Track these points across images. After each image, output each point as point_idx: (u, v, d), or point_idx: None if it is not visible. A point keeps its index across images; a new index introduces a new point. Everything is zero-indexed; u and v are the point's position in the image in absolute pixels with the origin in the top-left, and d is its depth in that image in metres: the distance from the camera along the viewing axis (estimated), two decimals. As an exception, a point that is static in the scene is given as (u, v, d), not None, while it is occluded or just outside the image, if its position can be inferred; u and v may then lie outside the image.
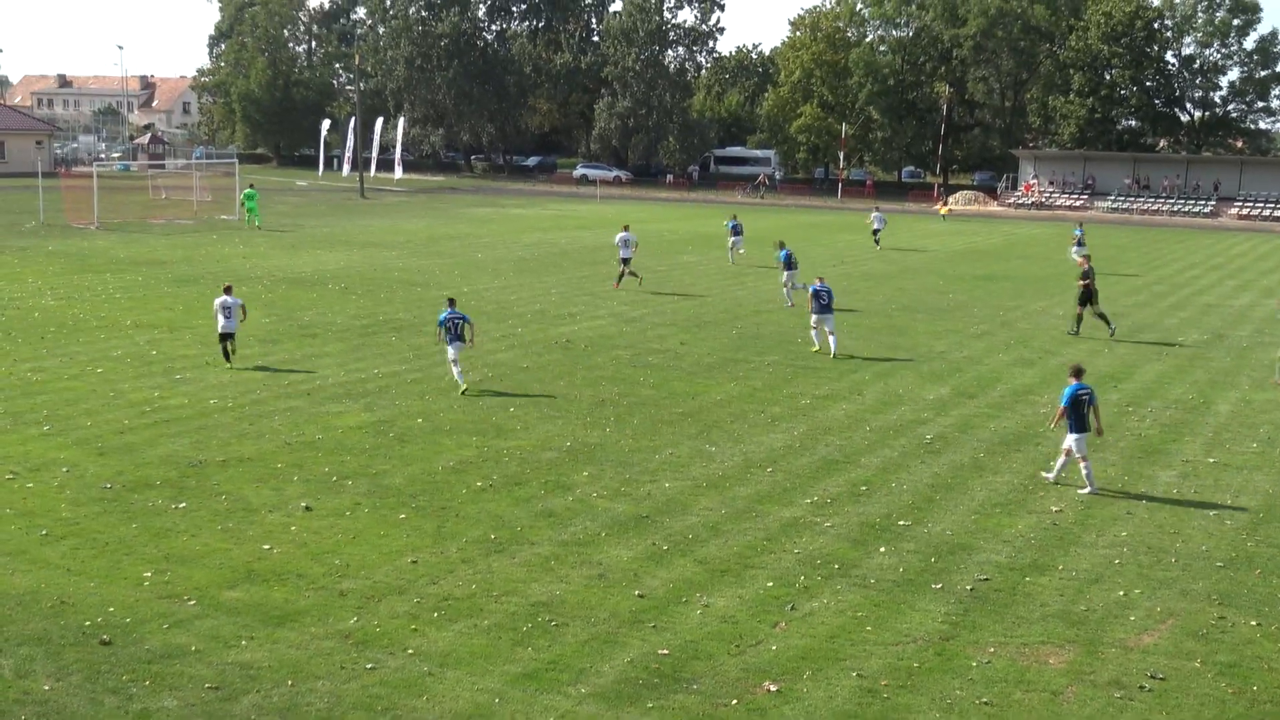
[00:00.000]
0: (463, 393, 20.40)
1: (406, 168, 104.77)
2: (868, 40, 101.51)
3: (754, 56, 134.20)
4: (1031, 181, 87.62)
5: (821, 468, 16.88)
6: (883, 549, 13.73)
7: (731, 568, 13.03)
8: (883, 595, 12.43)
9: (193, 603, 11.74)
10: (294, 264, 38.58)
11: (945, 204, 78.96)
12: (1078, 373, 16.30)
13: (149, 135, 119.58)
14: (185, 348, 24.02)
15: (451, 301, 21.65)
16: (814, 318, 25.24)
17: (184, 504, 14.56)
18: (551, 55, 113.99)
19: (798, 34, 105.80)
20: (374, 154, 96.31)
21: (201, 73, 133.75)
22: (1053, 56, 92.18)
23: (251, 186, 56.58)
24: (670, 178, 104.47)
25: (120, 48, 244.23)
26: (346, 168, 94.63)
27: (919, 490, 15.98)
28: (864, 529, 14.40)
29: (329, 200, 74.49)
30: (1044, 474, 16.59)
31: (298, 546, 13.26)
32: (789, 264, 32.76)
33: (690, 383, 22.02)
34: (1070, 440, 16.05)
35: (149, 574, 12.39)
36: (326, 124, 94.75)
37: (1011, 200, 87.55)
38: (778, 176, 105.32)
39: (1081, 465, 16.06)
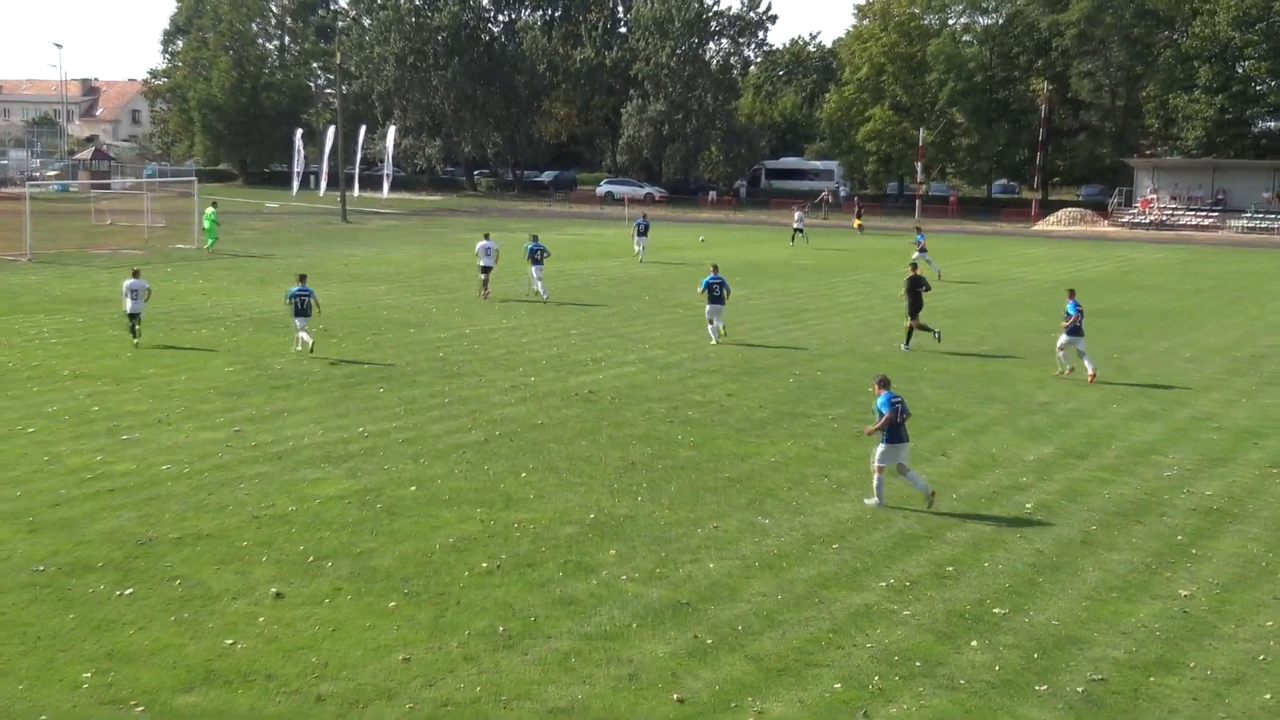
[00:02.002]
0: (310, 351, 28.97)
1: (397, 185, 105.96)
2: (949, 29, 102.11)
3: (813, 50, 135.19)
4: (1149, 196, 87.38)
5: (899, 544, 16.79)
6: (974, 643, 13.61)
7: (790, 666, 12.95)
8: (975, 700, 12.31)
9: (140, 709, 11.77)
10: (263, 301, 38.96)
11: (859, 215, 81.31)
12: (884, 383, 18.87)
13: (92, 150, 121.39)
14: (133, 402, 24.26)
15: (302, 278, 30.73)
16: (708, 309, 32.39)
17: (130, 590, 14.64)
18: (570, 50, 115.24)
19: (865, 23, 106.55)
20: (358, 169, 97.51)
21: (154, 75, 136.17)
22: (1173, 46, 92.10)
23: (214, 205, 57.39)
24: (713, 195, 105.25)
25: (58, 46, 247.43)
26: (325, 186, 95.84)
27: (1018, 571, 15.86)
28: (951, 619, 14.29)
29: (304, 225, 75.30)
30: (866, 500, 18.54)
31: (267, 641, 13.29)
32: None
33: (739, 442, 22.01)
34: (879, 450, 18.32)
35: (88, 674, 12.44)
36: (301, 134, 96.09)
37: (1126, 219, 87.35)
38: (843, 192, 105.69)
39: (875, 476, 18.37)
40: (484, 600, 14.49)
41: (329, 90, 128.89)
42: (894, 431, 18.31)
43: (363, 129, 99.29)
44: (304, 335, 29.70)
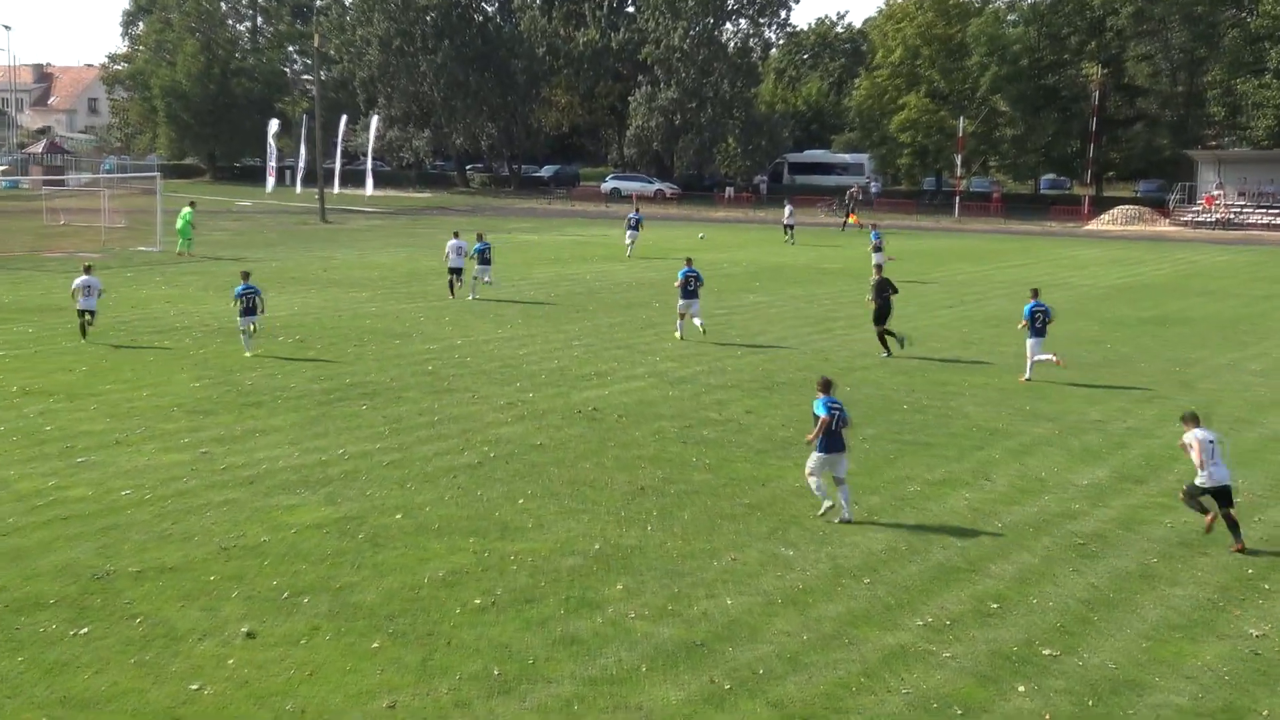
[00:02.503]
0: (249, 351, 31.21)
1: (381, 181, 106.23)
2: (992, 7, 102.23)
3: (840, 31, 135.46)
4: (1214, 193, 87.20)
5: (937, 578, 16.76)
6: (1021, 688, 13.58)
7: (817, 713, 12.93)
8: (1022, 751, 12.27)
9: (97, 761, 11.76)
10: (232, 311, 38.99)
11: (851, 212, 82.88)
12: (826, 385, 19.54)
13: (44, 143, 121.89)
14: (89, 421, 24.31)
15: (246, 275, 32.74)
16: (680, 303, 34.76)
17: (86, 629, 14.64)
18: (572, 32, 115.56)
19: (898, 1, 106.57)
20: (338, 164, 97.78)
21: (113, 60, 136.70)
22: (1240, 26, 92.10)
23: (191, 205, 57.67)
24: (730, 192, 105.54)
25: (7, 28, 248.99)
26: (301, 182, 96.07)
27: (1069, 608, 15.82)
28: (996, 660, 14.26)
29: (279, 225, 75.50)
30: (821, 515, 19.11)
31: (237, 686, 13.29)
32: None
33: (759, 465, 22.01)
34: (811, 459, 19.15)
35: (40, 722, 12.46)
36: (275, 125, 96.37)
37: (1187, 217, 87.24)
38: (874, 189, 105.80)
39: (811, 481, 19.10)
40: (477, 640, 14.47)
41: (306, 77, 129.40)
42: (829, 440, 18.99)
43: (343, 119, 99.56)
44: (246, 339, 32.13)
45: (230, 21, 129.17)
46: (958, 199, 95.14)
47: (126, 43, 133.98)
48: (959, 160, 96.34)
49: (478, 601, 15.57)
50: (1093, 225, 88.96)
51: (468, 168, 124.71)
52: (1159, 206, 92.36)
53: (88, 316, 33.00)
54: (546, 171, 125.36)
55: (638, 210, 67.01)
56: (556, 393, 27.63)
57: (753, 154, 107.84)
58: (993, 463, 22.50)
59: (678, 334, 35.01)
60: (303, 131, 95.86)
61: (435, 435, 23.53)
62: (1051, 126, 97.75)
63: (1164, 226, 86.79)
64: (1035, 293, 31.19)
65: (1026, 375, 30.27)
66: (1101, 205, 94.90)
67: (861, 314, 40.53)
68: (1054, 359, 30.21)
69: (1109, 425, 25.57)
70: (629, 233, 60.21)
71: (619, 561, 17.05)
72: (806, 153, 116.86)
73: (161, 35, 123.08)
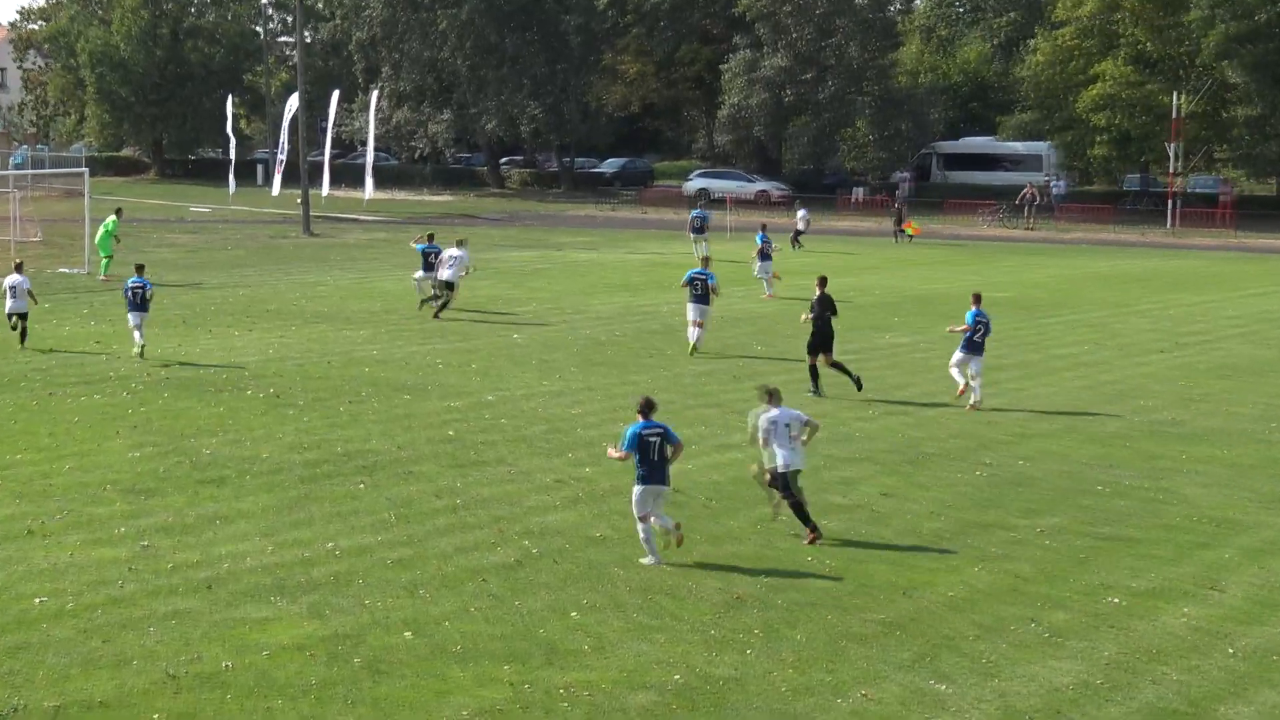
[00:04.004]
0: (140, 355, 37.15)
1: (385, 180, 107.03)
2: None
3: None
4: None
5: (1147, 725, 16.62)
6: None
7: None
8: None
9: None
10: (186, 353, 39.41)
11: (905, 219, 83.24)
12: (647, 407, 22.28)
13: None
14: (-7, 503, 24.60)
15: (139, 268, 39.05)
16: (689, 309, 40.43)
17: (-12, 784, 14.75)
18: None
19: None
20: (327, 156, 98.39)
21: (25, 16, 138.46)
22: None
23: (117, 213, 58.16)
24: (859, 194, 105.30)
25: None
26: (278, 180, 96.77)
27: (1332, 769, 15.59)
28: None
29: (248, 238, 76.10)
30: (642, 560, 21.68)
31: None
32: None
33: (900, 566, 21.90)
34: (634, 494, 21.83)
35: None
36: (232, 105, 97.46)
37: None
38: (1057, 189, 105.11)
39: (640, 527, 21.65)
40: (515, 805, 14.45)
41: (285, 39, 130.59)
42: (651, 471, 21.75)
43: (334, 97, 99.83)
44: (138, 336, 37.90)
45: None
46: (1172, 203, 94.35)
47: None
48: (1173, 151, 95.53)
49: (515, 752, 15.57)
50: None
51: (502, 161, 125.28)
52: None
53: (15, 319, 38.89)
54: (609, 166, 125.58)
55: (700, 206, 69.12)
56: (622, 468, 27.43)
57: (890, 142, 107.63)
58: (1223, 566, 22.24)
59: (691, 341, 40.45)
60: (282, 112, 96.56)
61: (458, 524, 23.61)
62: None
63: None
64: (977, 299, 34.33)
65: (973, 401, 33.51)
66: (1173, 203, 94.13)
67: (1037, 361, 40.30)
68: (961, 384, 33.77)
69: (1385, 515, 25.25)
70: (693, 235, 64.22)
71: (708, 699, 17.00)
72: (964, 141, 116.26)
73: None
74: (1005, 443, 30.22)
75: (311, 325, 44.82)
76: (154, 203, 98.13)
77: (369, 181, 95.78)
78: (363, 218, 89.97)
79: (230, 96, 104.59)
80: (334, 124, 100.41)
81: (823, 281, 36.26)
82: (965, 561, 22.20)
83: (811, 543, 22.66)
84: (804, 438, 23.29)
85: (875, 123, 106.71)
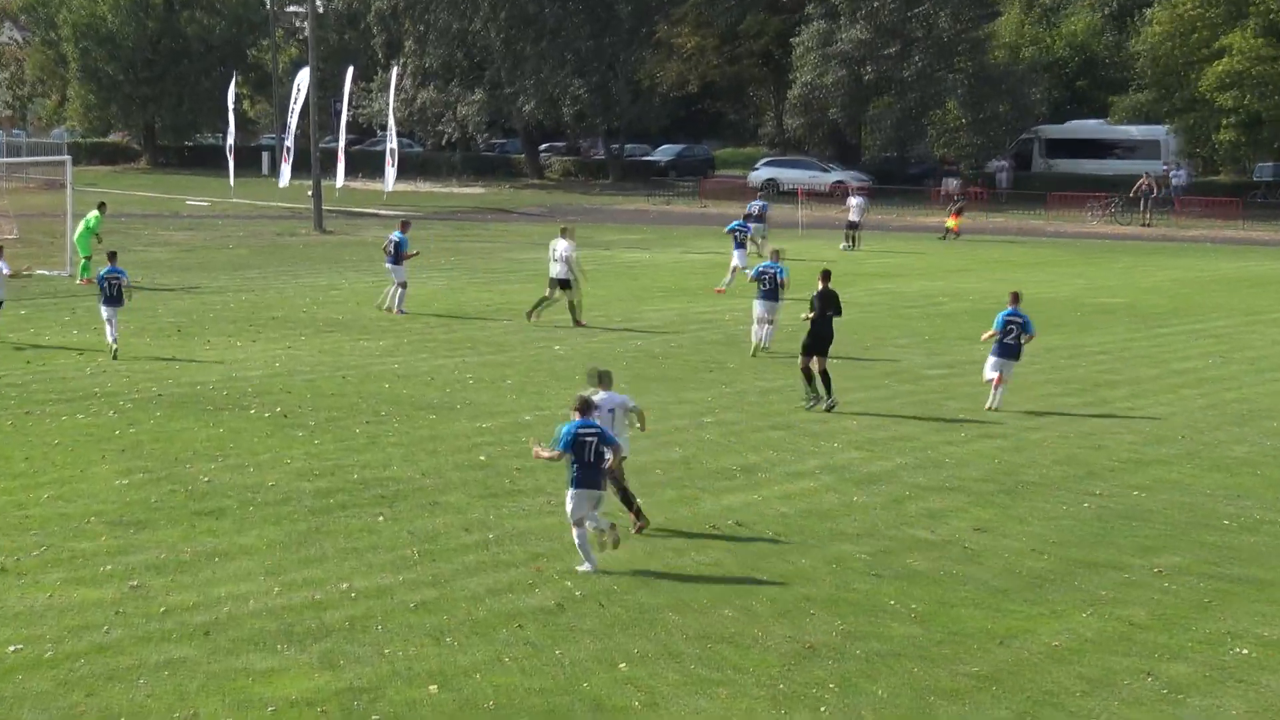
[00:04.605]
0: (113, 355, 38.86)
1: (408, 170, 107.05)
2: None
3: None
4: None
5: (1281, 795, 16.49)
6: None
7: None
8: None
9: None
10: (181, 368, 39.55)
11: (953, 212, 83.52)
12: (583, 407, 23.54)
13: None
14: (-37, 536, 24.65)
15: (113, 255, 40.99)
16: (756, 305, 42.07)
17: None
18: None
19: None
20: (342, 142, 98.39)
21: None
22: None
23: (100, 208, 58.27)
24: (952, 184, 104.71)
25: None
26: (286, 171, 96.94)
27: None
28: None
29: (252, 236, 76.23)
30: (579, 567, 23.06)
31: None
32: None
33: (995, 612, 21.81)
34: (568, 500, 23.33)
35: None
36: (234, 85, 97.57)
37: None
38: (1179, 179, 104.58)
39: (574, 533, 23.08)
40: None
41: (294, 9, 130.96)
42: (586, 474, 23.09)
43: (349, 74, 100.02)
44: (110, 331, 40.06)
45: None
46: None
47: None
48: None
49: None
50: None
51: (541, 149, 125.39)
52: None
53: None
54: (663, 154, 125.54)
55: (760, 196, 69.98)
56: (678, 497, 27.55)
57: (985, 126, 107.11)
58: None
59: (756, 341, 42.25)
60: (292, 92, 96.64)
61: (491, 562, 23.61)
62: None
63: None
64: (1015, 298, 36.23)
65: (991, 404, 35.50)
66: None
67: (1154, 376, 40.13)
68: (994, 379, 35.62)
69: None
70: (752, 226, 64.23)
71: (776, 762, 16.95)
72: (1071, 124, 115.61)
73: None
74: (1117, 470, 30.10)
75: (324, 335, 44.93)
76: (145, 195, 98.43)
77: (390, 171, 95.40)
78: (382, 212, 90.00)
79: (233, 75, 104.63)
80: (350, 106, 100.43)
81: (825, 275, 36.51)
82: (1070, 606, 22.10)
83: (639, 531, 24.87)
84: (633, 424, 25.80)
85: (968, 104, 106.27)
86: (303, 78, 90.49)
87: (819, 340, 35.17)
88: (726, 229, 57.70)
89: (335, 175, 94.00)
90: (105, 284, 40.16)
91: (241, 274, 59.97)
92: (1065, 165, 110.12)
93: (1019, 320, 35.33)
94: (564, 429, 23.34)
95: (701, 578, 23.03)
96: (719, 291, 54.45)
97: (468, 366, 40.11)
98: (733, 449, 31.32)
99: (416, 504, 26.78)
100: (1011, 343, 35.27)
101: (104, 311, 40.27)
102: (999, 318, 35.58)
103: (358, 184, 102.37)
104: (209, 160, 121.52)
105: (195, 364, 39.71)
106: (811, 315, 35.47)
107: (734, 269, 55.36)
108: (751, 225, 62.86)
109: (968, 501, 27.63)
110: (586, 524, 23.19)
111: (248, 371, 38.64)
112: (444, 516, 25.97)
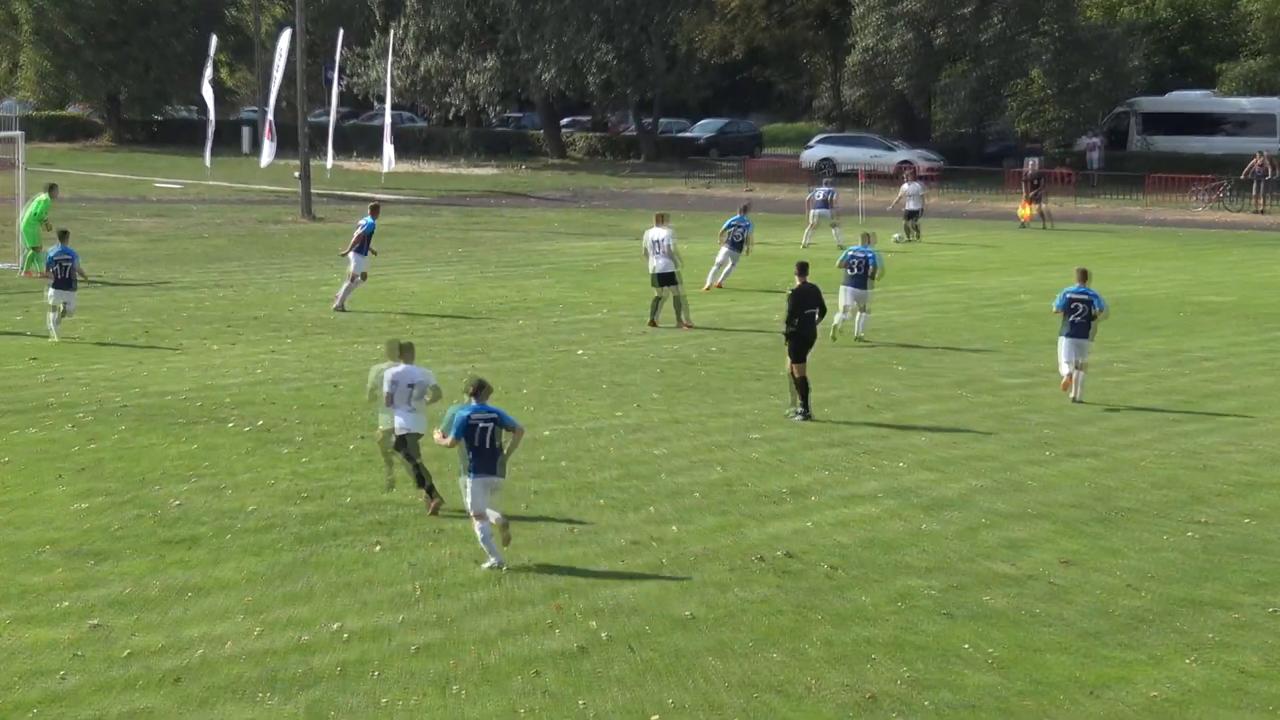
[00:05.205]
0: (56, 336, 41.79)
1: (409, 147, 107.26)
2: None
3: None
4: None
5: None
6: None
7: None
8: None
9: None
10: (149, 375, 39.55)
11: (1028, 200, 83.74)
12: (478, 389, 25.06)
13: None
14: (-102, 569, 24.62)
15: (63, 235, 42.17)
16: (845, 292, 44.34)
17: None
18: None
19: None
20: (333, 117, 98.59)
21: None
22: None
23: (50, 191, 58.01)
24: (1034, 164, 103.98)
25: None
26: (269, 149, 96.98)
27: None
28: None
29: (231, 224, 76.51)
30: (483, 565, 24.63)
31: None
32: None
33: (1084, 658, 21.73)
34: (467, 488, 24.78)
35: None
36: (215, 47, 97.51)
37: None
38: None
39: (477, 526, 24.55)
40: None
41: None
42: (482, 461, 24.67)
43: (340, 38, 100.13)
44: (53, 318, 42.37)
45: None
46: None
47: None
48: None
49: None
50: None
51: (563, 124, 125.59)
52: None
53: None
54: (702, 130, 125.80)
55: (829, 182, 73.27)
56: (719, 524, 27.49)
57: (1075, 98, 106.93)
58: None
59: (856, 330, 44.88)
60: (273, 58, 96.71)
61: (503, 599, 23.59)
62: None
63: None
64: (1082, 275, 37.98)
65: (1074, 395, 37.27)
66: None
67: (1267, 388, 39.99)
68: (1067, 375, 37.23)
69: None
70: (815, 213, 69.82)
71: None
72: (1172, 96, 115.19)
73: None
74: (1226, 495, 29.99)
75: (313, 337, 45.03)
76: (108, 176, 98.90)
77: (388, 149, 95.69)
78: (380, 196, 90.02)
79: (209, 38, 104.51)
80: (343, 74, 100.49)
81: (803, 268, 36.77)
82: (1172, 651, 22.02)
83: (434, 512, 27.23)
84: (427, 400, 27.67)
85: (1055, 72, 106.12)
86: (285, 40, 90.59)
87: (805, 344, 35.57)
88: (742, 228, 57.23)
89: (326, 154, 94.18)
90: (55, 266, 41.35)
91: (219, 267, 60.08)
92: (1166, 143, 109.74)
93: (1085, 296, 36.51)
94: (456, 413, 24.88)
95: (745, 614, 23.00)
96: (706, 290, 54.87)
97: (478, 373, 40.00)
98: (782, 469, 31.29)
99: (418, 532, 26.75)
100: (1080, 320, 36.42)
101: (51, 296, 42.11)
102: (1061, 295, 37.06)
103: (352, 164, 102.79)
104: (181, 136, 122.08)
105: (165, 370, 39.73)
106: (787, 331, 35.69)
107: (722, 267, 56.29)
108: (818, 209, 67.25)
109: (1054, 530, 27.54)
110: (490, 516, 24.65)
111: (225, 379, 38.64)
112: (450, 546, 25.92)
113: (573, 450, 32.45)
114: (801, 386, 35.46)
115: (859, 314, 44.58)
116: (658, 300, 47.21)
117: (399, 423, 27.20)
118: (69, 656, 21.02)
